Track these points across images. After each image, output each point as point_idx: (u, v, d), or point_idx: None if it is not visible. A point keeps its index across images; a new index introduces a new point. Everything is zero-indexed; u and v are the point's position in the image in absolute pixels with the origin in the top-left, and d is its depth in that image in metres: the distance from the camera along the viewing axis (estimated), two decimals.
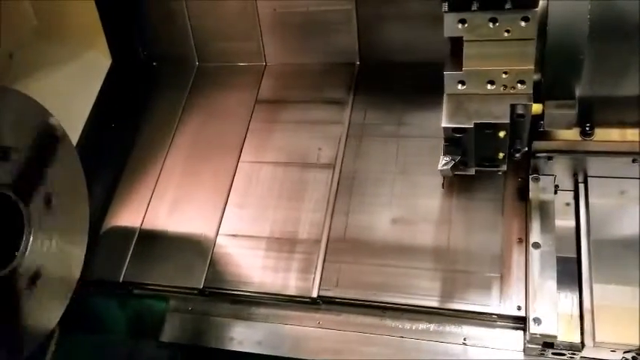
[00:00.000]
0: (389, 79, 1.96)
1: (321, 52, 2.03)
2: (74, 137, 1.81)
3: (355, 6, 1.91)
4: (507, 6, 1.15)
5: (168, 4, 2.06)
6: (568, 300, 1.42)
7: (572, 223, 1.51)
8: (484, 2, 1.16)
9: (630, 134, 1.39)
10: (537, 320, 1.36)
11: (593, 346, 1.35)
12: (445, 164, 1.36)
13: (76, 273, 1.65)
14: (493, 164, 1.42)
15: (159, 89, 2.12)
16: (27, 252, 1.50)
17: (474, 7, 1.16)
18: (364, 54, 1.99)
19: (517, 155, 1.39)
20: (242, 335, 1.63)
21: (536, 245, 1.45)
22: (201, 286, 1.66)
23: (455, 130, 1.32)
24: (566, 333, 1.37)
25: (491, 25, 1.19)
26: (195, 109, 2.04)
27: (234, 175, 1.84)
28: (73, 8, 2.03)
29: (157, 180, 1.90)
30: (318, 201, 1.74)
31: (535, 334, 1.36)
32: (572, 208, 1.53)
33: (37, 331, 1.56)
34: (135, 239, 1.79)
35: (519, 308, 1.46)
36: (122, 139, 2.01)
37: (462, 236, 1.60)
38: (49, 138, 1.60)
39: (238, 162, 1.86)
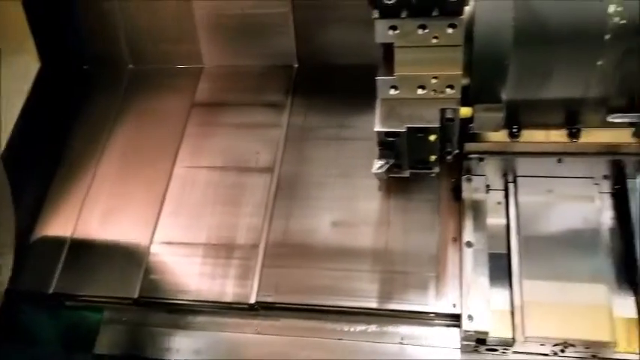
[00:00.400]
0: (328, 81, 1.96)
1: (258, 54, 2.01)
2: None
3: (292, 9, 1.90)
4: (435, 13, 1.17)
5: (100, 5, 2.00)
6: (500, 296, 1.45)
7: (504, 220, 1.55)
8: (413, 9, 1.17)
9: (555, 135, 1.43)
10: (470, 317, 1.39)
11: (524, 341, 1.38)
12: (379, 167, 1.38)
13: (3, 285, 1.57)
14: (426, 167, 1.44)
15: (91, 93, 2.06)
16: None
17: (404, 14, 1.18)
18: (302, 57, 1.99)
19: (449, 157, 1.42)
20: (179, 344, 1.60)
21: (469, 244, 1.49)
22: (136, 296, 1.62)
23: (388, 134, 1.34)
24: (499, 329, 1.40)
25: (420, 31, 1.20)
26: (129, 113, 1.98)
27: (170, 181, 1.80)
28: None
29: (89, 187, 1.84)
30: (256, 205, 1.72)
31: (468, 330, 1.39)
32: (503, 206, 1.57)
33: None
34: (66, 249, 1.73)
35: (454, 306, 1.48)
36: (52, 145, 1.94)
37: (400, 237, 1.62)
38: None
39: (173, 167, 1.82)
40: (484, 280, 1.44)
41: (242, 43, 2.01)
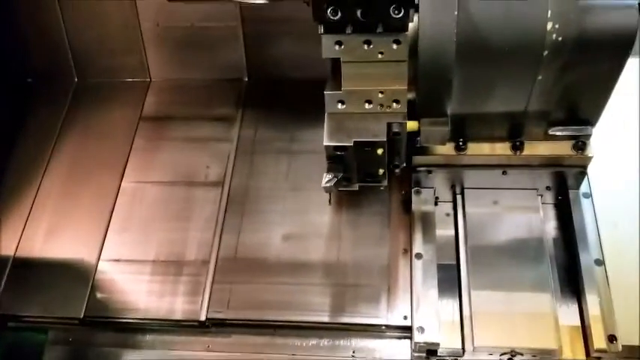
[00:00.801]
0: (279, 95, 1.96)
1: (207, 68, 2.00)
2: None
3: (242, 22, 1.90)
4: (379, 29, 1.18)
5: (43, 17, 1.95)
6: (450, 307, 1.47)
7: (452, 232, 1.57)
8: (358, 25, 1.19)
9: (499, 148, 1.46)
10: (421, 329, 1.40)
11: (473, 351, 1.40)
12: (328, 181, 1.38)
13: None
14: (375, 180, 1.45)
15: (34, 107, 2.00)
16: None
17: (349, 30, 1.19)
18: (252, 70, 1.98)
19: (397, 171, 1.44)
20: None
21: (419, 256, 1.50)
22: (82, 316, 1.57)
23: (336, 148, 1.34)
24: (449, 339, 1.42)
25: (365, 47, 1.22)
26: (74, 127, 1.94)
27: (117, 197, 1.76)
28: None
29: (33, 204, 1.78)
30: (206, 220, 1.70)
31: (419, 342, 1.39)
32: (451, 218, 1.60)
33: None
34: (8, 268, 1.67)
35: (405, 318, 1.50)
36: None
37: (352, 250, 1.62)
38: None
39: (121, 182, 1.79)
40: (434, 291, 1.45)
41: (191, 56, 1.99)
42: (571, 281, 1.48)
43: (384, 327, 1.51)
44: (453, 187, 1.59)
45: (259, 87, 1.98)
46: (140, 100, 1.97)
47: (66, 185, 1.81)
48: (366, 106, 1.32)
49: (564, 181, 1.53)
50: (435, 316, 1.41)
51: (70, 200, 1.78)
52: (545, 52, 1.20)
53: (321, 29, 1.20)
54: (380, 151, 1.33)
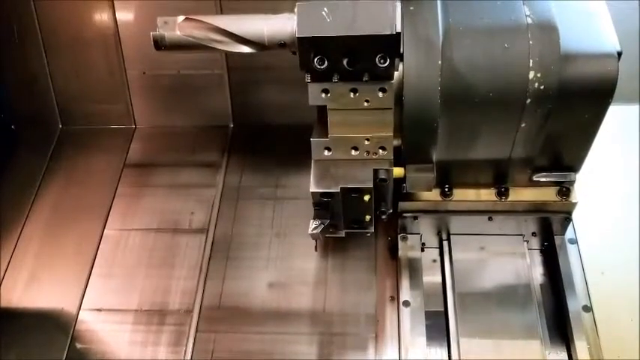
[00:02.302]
0: (264, 141, 1.97)
1: (193, 114, 2.01)
2: None
3: (227, 70, 1.92)
4: (365, 78, 1.20)
5: (28, 64, 1.96)
6: (439, 355, 1.45)
7: (439, 278, 1.57)
8: (344, 75, 1.20)
9: (485, 194, 1.47)
10: None
11: None
12: (315, 228, 1.38)
13: None
14: (361, 226, 1.45)
15: (17, 154, 1.99)
16: None
17: (335, 78, 1.21)
18: (238, 117, 2.00)
19: (383, 217, 1.44)
20: None
21: (407, 303, 1.49)
22: None
23: (323, 194, 1.34)
24: None
25: (352, 95, 1.23)
26: (58, 174, 1.92)
27: (100, 244, 1.74)
28: None
29: (13, 250, 1.75)
30: (190, 268, 1.68)
31: None
32: (438, 264, 1.59)
33: None
34: None
35: None
36: None
37: (338, 297, 1.60)
38: None
39: (104, 229, 1.77)
40: (422, 339, 1.43)
41: (176, 103, 2.00)
42: (560, 328, 1.47)
43: None
44: (439, 233, 1.59)
45: (245, 133, 1.99)
46: (125, 147, 1.97)
47: (48, 232, 1.79)
48: (353, 152, 1.33)
49: (549, 227, 1.54)
50: None
51: (52, 247, 1.75)
52: (528, 101, 1.22)
53: (308, 78, 1.22)
54: (367, 198, 1.33)
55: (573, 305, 1.45)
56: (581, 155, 1.37)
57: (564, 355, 1.44)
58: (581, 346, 1.40)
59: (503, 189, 1.46)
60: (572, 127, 1.29)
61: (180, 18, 1.26)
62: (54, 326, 1.60)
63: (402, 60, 1.21)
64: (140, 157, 1.95)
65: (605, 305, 1.47)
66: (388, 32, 1.13)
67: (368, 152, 1.32)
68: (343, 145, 1.32)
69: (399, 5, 1.15)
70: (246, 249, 1.72)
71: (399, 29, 1.13)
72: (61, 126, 2.04)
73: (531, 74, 1.20)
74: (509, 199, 1.46)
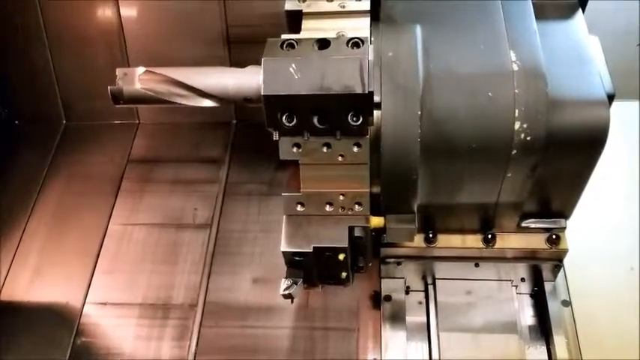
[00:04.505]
0: (267, 137, 1.96)
1: (196, 110, 1.99)
2: None
3: (230, 65, 1.92)
4: (338, 136, 1.11)
5: (31, 60, 1.97)
6: (419, 349, 1.47)
7: (424, 319, 1.52)
8: (314, 131, 1.11)
9: (471, 240, 1.38)
10: None
11: None
12: (287, 288, 1.24)
13: None
14: (338, 282, 1.33)
15: (21, 149, 2.00)
16: None
17: (306, 135, 1.12)
18: (241, 113, 2.00)
19: (362, 271, 1.34)
20: None
21: (388, 298, 1.52)
22: None
23: (295, 253, 1.23)
24: None
25: (325, 149, 1.14)
26: (61, 169, 1.93)
27: (104, 239, 1.75)
28: None
29: (18, 245, 1.76)
30: (194, 263, 1.69)
31: None
32: (423, 306, 1.54)
33: None
34: None
35: None
36: None
37: (321, 293, 1.60)
38: None
39: (108, 224, 1.78)
40: (402, 334, 1.46)
41: None
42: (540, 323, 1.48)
43: None
44: (424, 277, 1.53)
45: (248, 130, 2.00)
46: (128, 143, 1.98)
47: (52, 227, 1.80)
48: (327, 208, 1.22)
49: (539, 273, 1.47)
50: None
51: (57, 242, 1.76)
52: (514, 152, 1.14)
53: (276, 135, 1.13)
54: (342, 257, 1.23)
55: (552, 299, 1.44)
56: (572, 201, 1.29)
57: (543, 349, 1.44)
58: (559, 341, 1.39)
59: (489, 235, 1.37)
60: (561, 176, 1.22)
61: (141, 70, 1.19)
62: (58, 320, 1.62)
63: (379, 108, 1.12)
64: (144, 153, 1.96)
65: (585, 299, 1.46)
66: (359, 91, 1.04)
67: (343, 208, 1.22)
68: (317, 201, 1.22)
69: (371, 52, 1.07)
70: (248, 244, 1.72)
71: (371, 88, 1.04)
72: (64, 122, 2.05)
73: (517, 125, 1.11)
74: (496, 245, 1.37)
